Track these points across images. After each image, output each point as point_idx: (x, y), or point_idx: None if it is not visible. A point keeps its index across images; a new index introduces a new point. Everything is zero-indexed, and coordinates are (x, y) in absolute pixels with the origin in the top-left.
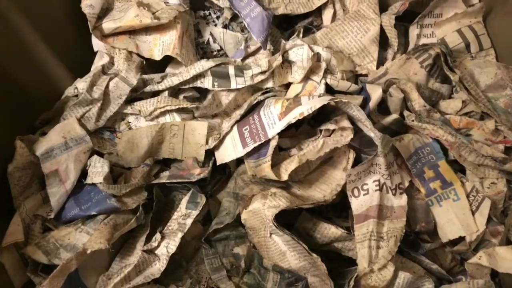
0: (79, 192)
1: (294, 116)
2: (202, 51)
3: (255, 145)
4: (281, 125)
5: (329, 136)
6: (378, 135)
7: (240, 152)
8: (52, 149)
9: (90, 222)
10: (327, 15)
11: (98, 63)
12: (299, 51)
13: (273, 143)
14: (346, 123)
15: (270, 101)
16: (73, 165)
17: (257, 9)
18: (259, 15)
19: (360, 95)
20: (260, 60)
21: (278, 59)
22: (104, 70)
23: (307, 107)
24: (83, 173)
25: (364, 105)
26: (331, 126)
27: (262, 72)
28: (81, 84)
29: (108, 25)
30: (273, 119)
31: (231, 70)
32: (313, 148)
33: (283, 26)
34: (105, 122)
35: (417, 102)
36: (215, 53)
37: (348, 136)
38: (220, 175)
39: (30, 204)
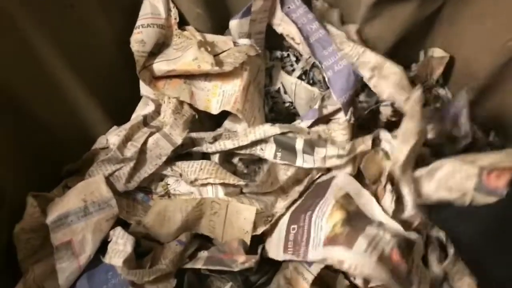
0: (95, 267)
1: (337, 259)
2: (272, 100)
3: (293, 257)
4: (320, 255)
5: None
6: None
7: (279, 255)
8: (67, 215)
9: None
10: None
11: (141, 111)
12: None
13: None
14: None
15: (329, 202)
16: (91, 236)
17: (342, 62)
18: (345, 70)
19: None
20: (334, 130)
21: (367, 144)
22: (146, 121)
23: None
24: (104, 243)
25: None
26: None
27: (339, 156)
28: (113, 138)
29: (159, 66)
30: (319, 238)
31: (299, 144)
32: None
33: None
34: (138, 183)
35: None
36: (287, 104)
37: None
38: (270, 265)
39: (40, 270)
